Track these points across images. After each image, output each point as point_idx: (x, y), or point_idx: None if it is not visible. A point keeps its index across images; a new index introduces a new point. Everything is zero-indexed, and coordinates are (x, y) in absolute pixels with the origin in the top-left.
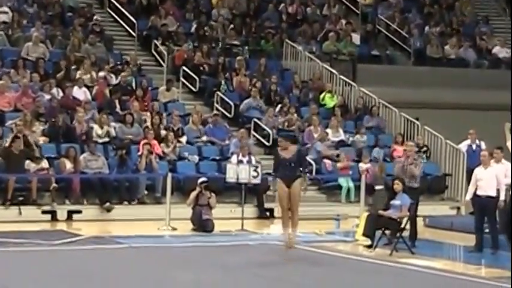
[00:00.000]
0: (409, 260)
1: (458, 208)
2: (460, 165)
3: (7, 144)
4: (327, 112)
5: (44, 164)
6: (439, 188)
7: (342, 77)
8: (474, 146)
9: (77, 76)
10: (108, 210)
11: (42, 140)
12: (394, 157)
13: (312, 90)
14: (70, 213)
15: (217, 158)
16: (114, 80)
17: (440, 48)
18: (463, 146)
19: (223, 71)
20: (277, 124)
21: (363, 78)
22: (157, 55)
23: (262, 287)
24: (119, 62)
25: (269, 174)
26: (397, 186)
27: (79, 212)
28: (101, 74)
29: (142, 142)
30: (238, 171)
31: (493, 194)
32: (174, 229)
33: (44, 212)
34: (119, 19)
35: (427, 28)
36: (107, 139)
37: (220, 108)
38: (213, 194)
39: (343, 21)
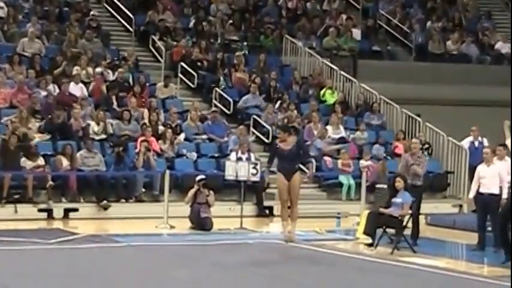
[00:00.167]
0: (410, 258)
1: (461, 206)
2: (462, 162)
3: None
4: (327, 109)
5: (40, 161)
6: (441, 186)
7: (342, 73)
8: (476, 143)
9: (74, 72)
10: (105, 208)
11: (38, 137)
12: (396, 154)
13: (312, 86)
14: (66, 211)
15: (216, 155)
16: (111, 76)
17: (442, 44)
18: (465, 143)
19: (222, 67)
20: (276, 121)
21: (364, 74)
22: (155, 51)
23: (262, 286)
24: (116, 58)
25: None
26: (399, 183)
27: (76, 210)
28: (98, 70)
29: (139, 139)
30: (237, 168)
31: (496, 191)
32: (172, 227)
33: (40, 210)
34: (116, 14)
35: (428, 23)
36: (104, 136)
37: (218, 104)
38: (211, 192)
39: (344, 16)
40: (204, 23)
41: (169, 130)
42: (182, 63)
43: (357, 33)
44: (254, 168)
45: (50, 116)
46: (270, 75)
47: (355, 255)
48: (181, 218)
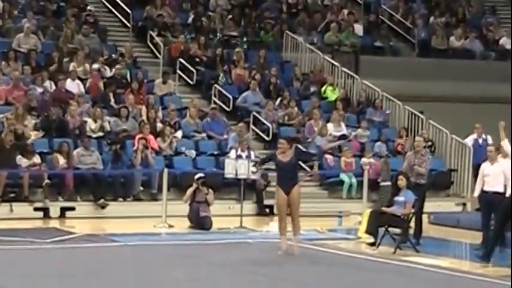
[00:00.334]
0: (413, 258)
1: (464, 204)
2: (466, 160)
3: None
4: (329, 105)
5: (36, 159)
6: (445, 184)
7: (344, 69)
8: (480, 141)
9: (70, 68)
10: (103, 207)
11: (34, 134)
12: (399, 151)
13: (313, 82)
14: (63, 210)
15: (215, 153)
16: (108, 73)
17: (445, 39)
18: (469, 141)
19: (222, 63)
20: (277, 118)
21: (366, 71)
22: (153, 47)
23: (262, 286)
24: (113, 54)
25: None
26: (401, 182)
27: (72, 209)
28: (95, 66)
29: (137, 137)
30: (237, 166)
31: (500, 189)
32: (170, 226)
33: (36, 209)
34: (113, 9)
35: (431, 18)
36: (101, 133)
37: (218, 101)
38: (210, 190)
39: (345, 11)
40: (203, 19)
41: (168, 127)
42: (181, 60)
43: (358, 28)
44: (254, 166)
45: (46, 113)
46: (270, 72)
47: (357, 254)
48: (180, 217)
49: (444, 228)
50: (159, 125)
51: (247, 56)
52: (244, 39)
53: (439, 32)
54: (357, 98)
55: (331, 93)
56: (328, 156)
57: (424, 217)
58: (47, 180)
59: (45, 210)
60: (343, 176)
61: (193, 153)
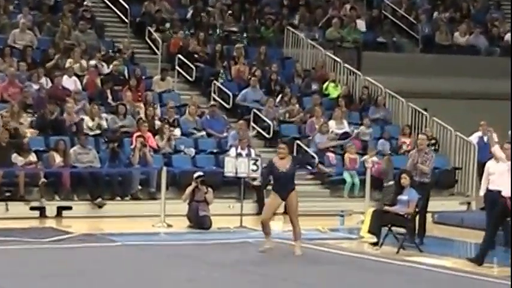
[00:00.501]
0: (416, 258)
1: (469, 203)
2: (471, 158)
3: None
4: (331, 102)
5: (32, 157)
6: (449, 183)
7: (346, 65)
8: (486, 138)
9: (67, 65)
10: (100, 206)
11: (30, 132)
12: (402, 149)
13: (315, 79)
14: (60, 210)
15: (215, 151)
16: (105, 69)
17: (449, 35)
18: (474, 138)
19: (221, 59)
20: (277, 115)
21: (368, 67)
22: (151, 43)
23: (263, 286)
24: (110, 50)
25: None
26: (404, 180)
27: (69, 208)
28: (92, 62)
29: (135, 134)
30: (237, 164)
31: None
32: (169, 226)
33: (32, 208)
34: (110, 4)
35: (435, 14)
36: (98, 131)
37: (217, 98)
38: (210, 189)
39: (348, 7)
40: (202, 14)
41: (166, 125)
42: (180, 56)
43: (361, 24)
44: (254, 164)
45: (42, 111)
46: (271, 68)
47: (359, 254)
48: (179, 216)
49: (448, 228)
50: (158, 123)
51: (248, 52)
52: (244, 35)
53: (443, 28)
54: (359, 95)
55: (333, 90)
56: (330, 154)
57: (428, 216)
58: (43, 179)
59: (42, 210)
60: (346, 176)
61: (192, 151)
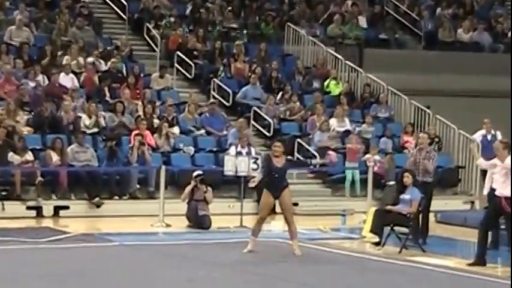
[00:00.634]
0: (419, 258)
1: (472, 202)
2: (474, 156)
3: None
4: (332, 100)
5: (29, 156)
6: (452, 181)
7: (347, 62)
8: (489, 136)
9: (64, 62)
10: (98, 205)
11: (26, 130)
12: (405, 148)
13: (316, 76)
14: (57, 209)
15: (214, 149)
16: (103, 66)
17: (452, 32)
18: (478, 137)
19: (221, 56)
20: (278, 113)
21: (370, 64)
22: (150, 39)
23: (263, 286)
24: (108, 47)
25: None
26: (407, 179)
27: (66, 207)
28: (90, 59)
29: (133, 133)
30: (237, 163)
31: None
32: (168, 226)
33: (28, 208)
34: (108, 1)
35: (438, 10)
36: (95, 129)
37: (217, 96)
38: (209, 188)
39: (349, 3)
40: (201, 10)
41: (165, 123)
42: (178, 53)
43: (363, 20)
44: (255, 163)
45: (38, 109)
46: (271, 65)
47: (361, 254)
48: (178, 215)
49: (451, 227)
50: (156, 121)
51: (248, 49)
52: (244, 31)
53: (446, 24)
54: (361, 93)
55: (335, 88)
56: (331, 152)
57: (431, 216)
58: (39, 178)
59: (38, 209)
60: (347, 172)
61: (191, 149)
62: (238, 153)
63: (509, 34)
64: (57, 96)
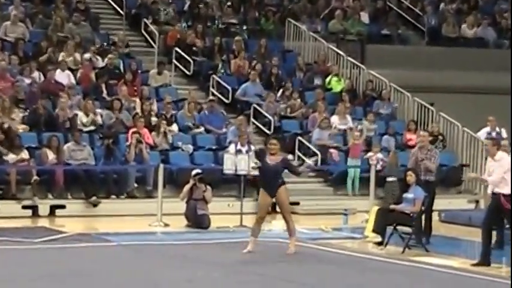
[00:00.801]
0: (423, 258)
1: (477, 201)
2: (479, 155)
3: None
4: (334, 97)
5: (24, 154)
6: (456, 180)
7: (349, 58)
8: (494, 134)
9: (60, 58)
10: (95, 204)
11: (21, 128)
12: (408, 146)
13: (317, 73)
14: (53, 208)
15: (214, 147)
16: (100, 63)
17: (456, 27)
18: (482, 134)
19: (220, 52)
20: (278, 110)
21: (373, 60)
22: (148, 35)
23: (262, 286)
24: (105, 43)
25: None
26: (410, 177)
27: (63, 207)
28: (86, 56)
29: (131, 130)
30: (237, 161)
31: None
32: (166, 225)
33: (24, 207)
34: None
35: (442, 5)
36: (92, 127)
37: (216, 93)
38: (208, 187)
39: None
40: (200, 6)
41: (163, 121)
42: (177, 49)
43: (365, 15)
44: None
45: (34, 106)
46: (272, 62)
47: (364, 254)
48: (176, 215)
49: (455, 227)
50: (154, 119)
51: (247, 45)
52: (244, 27)
53: (450, 19)
54: (363, 89)
55: (336, 84)
56: (332, 150)
57: (435, 215)
58: (35, 177)
59: (34, 209)
60: (349, 171)
61: (190, 147)
62: (238, 152)
63: None
64: (53, 93)
